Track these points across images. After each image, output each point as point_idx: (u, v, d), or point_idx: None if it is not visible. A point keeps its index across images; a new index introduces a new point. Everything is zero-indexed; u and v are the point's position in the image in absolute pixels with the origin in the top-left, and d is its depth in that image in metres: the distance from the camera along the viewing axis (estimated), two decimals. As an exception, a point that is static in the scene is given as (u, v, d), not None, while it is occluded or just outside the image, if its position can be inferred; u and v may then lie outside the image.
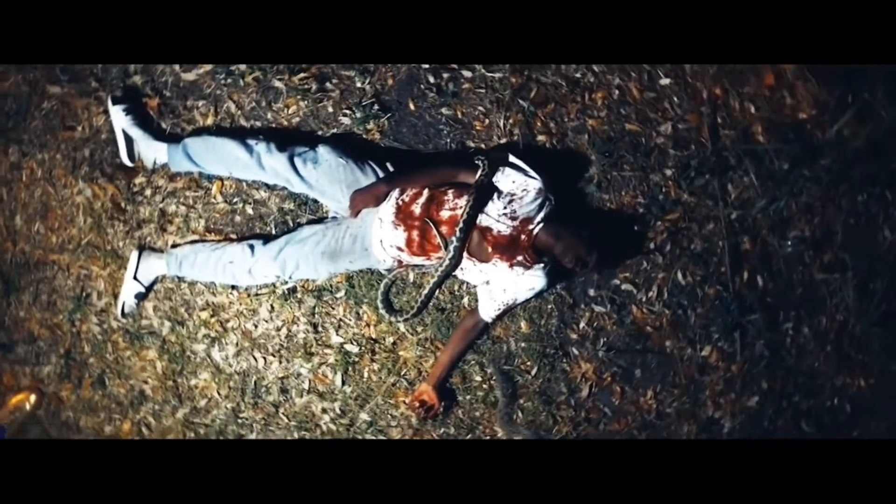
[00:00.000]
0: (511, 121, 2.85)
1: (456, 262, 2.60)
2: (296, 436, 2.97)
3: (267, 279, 2.82)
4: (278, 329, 2.94)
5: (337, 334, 2.93)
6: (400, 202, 2.64)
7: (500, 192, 2.56)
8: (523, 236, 2.56)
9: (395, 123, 2.89)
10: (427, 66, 2.86)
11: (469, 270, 2.67)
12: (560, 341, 2.91)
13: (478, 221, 2.55)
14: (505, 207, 2.54)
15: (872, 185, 2.92)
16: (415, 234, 2.61)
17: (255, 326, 2.94)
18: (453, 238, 2.54)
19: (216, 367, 2.98)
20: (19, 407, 3.04)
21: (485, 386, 2.92)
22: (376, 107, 2.87)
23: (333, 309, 2.93)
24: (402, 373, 2.93)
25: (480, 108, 2.86)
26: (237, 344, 2.95)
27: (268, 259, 2.76)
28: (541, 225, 2.56)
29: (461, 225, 2.52)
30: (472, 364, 2.92)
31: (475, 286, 2.78)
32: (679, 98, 2.86)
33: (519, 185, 2.55)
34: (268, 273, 2.79)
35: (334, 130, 2.89)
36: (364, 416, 2.95)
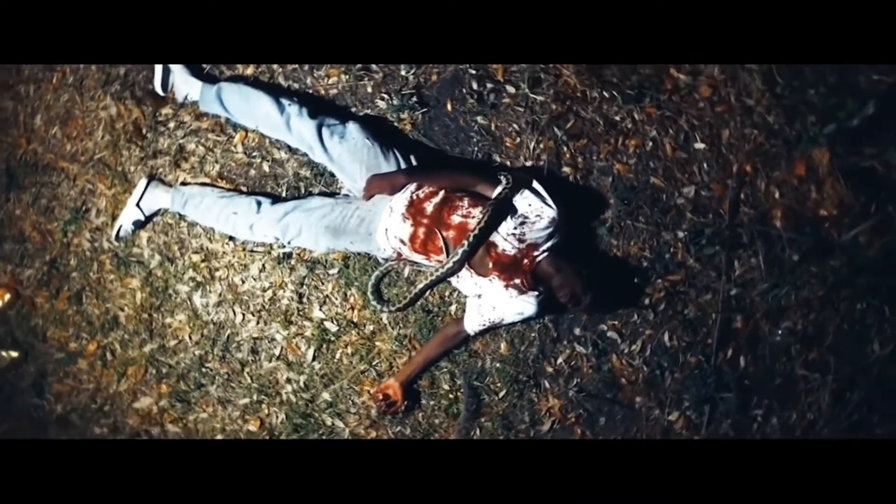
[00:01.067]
0: (542, 146, 2.85)
1: (455, 270, 2.60)
2: (254, 398, 2.96)
3: (266, 239, 2.82)
4: (264, 290, 2.93)
5: (320, 309, 2.92)
6: (414, 196, 2.63)
7: (514, 212, 2.55)
8: (526, 260, 2.56)
9: (428, 119, 2.89)
10: (473, 71, 2.86)
11: (465, 280, 2.66)
12: (535, 371, 2.90)
13: None
14: (515, 228, 2.54)
15: (873, 297, 2.93)
16: (421, 231, 2.61)
17: (243, 282, 2.93)
18: (459, 248, 2.53)
19: (194, 312, 2.96)
20: None
21: (451, 396, 2.92)
22: (414, 99, 2.88)
23: (323, 284, 2.92)
24: (374, 363, 2.92)
25: (515, 125, 2.87)
26: (220, 294, 2.94)
27: (272, 219, 2.75)
28: (545, 254, 2.56)
29: (472, 238, 2.51)
30: (443, 371, 2.91)
31: (466, 296, 2.77)
32: (709, 165, 2.87)
33: (534, 210, 2.54)
34: (268, 233, 2.78)
35: (368, 111, 2.90)
36: (326, 395, 2.94)
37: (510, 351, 2.90)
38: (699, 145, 2.87)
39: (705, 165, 2.87)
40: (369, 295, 2.86)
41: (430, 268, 2.71)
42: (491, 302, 2.66)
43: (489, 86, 2.88)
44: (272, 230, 2.76)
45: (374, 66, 2.89)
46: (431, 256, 2.65)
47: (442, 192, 2.62)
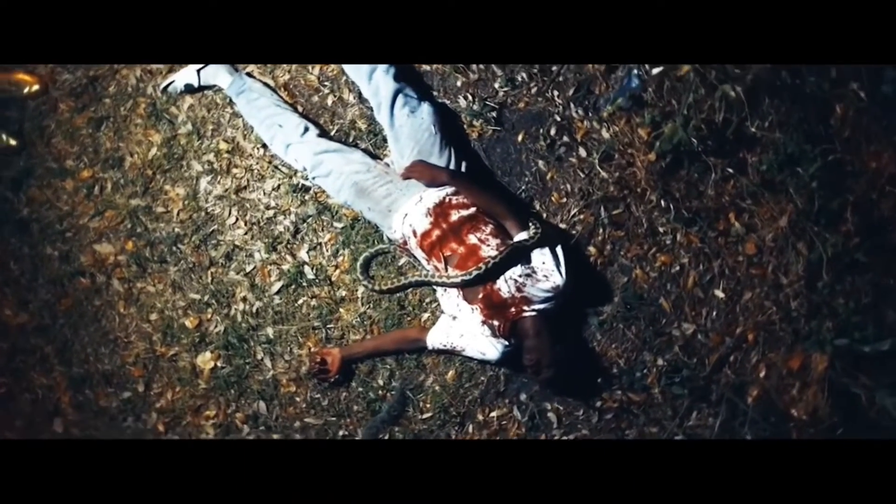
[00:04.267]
0: (582, 217, 2.85)
1: (451, 286, 2.59)
2: (205, 298, 2.92)
3: (295, 164, 2.80)
4: (268, 208, 2.90)
5: (307, 252, 2.89)
6: (447, 199, 2.62)
7: (526, 261, 2.54)
8: (514, 309, 2.54)
9: (496, 138, 2.89)
10: (559, 118, 2.86)
11: (450, 297, 2.64)
12: (466, 411, 2.87)
13: None
14: (519, 276, 2.52)
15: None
16: (436, 232, 2.59)
17: (251, 190, 2.91)
18: (475, 270, 2.50)
19: (194, 192, 2.93)
20: (19, 84, 2.97)
21: (381, 392, 2.88)
22: (494, 113, 2.87)
23: (322, 231, 2.89)
24: (329, 326, 2.89)
25: (569, 186, 2.86)
26: (226, 190, 2.91)
27: (310, 149, 2.73)
28: (534, 313, 2.54)
29: (481, 269, 2.49)
30: (386, 367, 2.88)
31: (442, 312, 2.75)
32: (718, 315, 2.87)
33: (545, 270, 2.53)
34: (300, 159, 2.76)
35: (447, 102, 2.89)
36: (270, 331, 2.90)
37: (455, 381, 2.87)
38: (719, 293, 2.87)
39: (714, 314, 2.87)
40: (358, 264, 2.83)
41: (425, 269, 2.70)
42: (462, 329, 2.63)
43: (565, 139, 2.87)
44: (305, 159, 2.74)
45: (473, 67, 2.88)
46: (431, 260, 2.63)
47: (473, 209, 2.60)
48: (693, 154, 2.79)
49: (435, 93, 2.90)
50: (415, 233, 2.63)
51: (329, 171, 2.72)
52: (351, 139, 2.89)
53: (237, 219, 2.92)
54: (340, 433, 2.89)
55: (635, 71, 2.82)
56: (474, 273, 2.50)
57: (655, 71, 2.78)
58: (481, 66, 2.89)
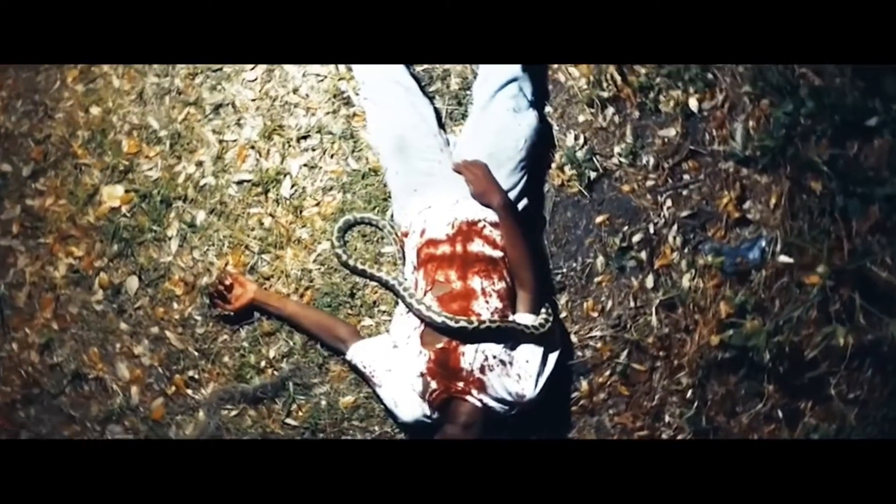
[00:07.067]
0: (599, 345, 2.34)
1: (416, 313, 2.15)
2: (160, 132, 2.40)
3: (356, 75, 2.38)
4: (295, 90, 2.43)
5: (299, 165, 2.39)
6: (480, 223, 2.20)
7: (511, 346, 2.12)
8: (461, 385, 2.10)
9: (574, 201, 2.41)
10: (652, 229, 2.37)
11: (406, 323, 2.19)
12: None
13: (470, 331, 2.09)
14: (493, 357, 2.09)
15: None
16: (445, 248, 2.17)
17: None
18: (449, 317, 2.08)
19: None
20: None
21: (263, 364, 2.33)
22: (593, 175, 2.38)
23: (330, 157, 2.40)
24: (264, 257, 2.36)
25: (609, 303, 2.36)
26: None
27: (385, 76, 2.31)
28: (478, 403, 2.10)
29: (469, 326, 2.07)
30: (289, 342, 2.35)
31: (387, 332, 2.27)
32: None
33: (522, 369, 2.10)
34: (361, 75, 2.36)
35: (555, 125, 2.43)
36: (200, 215, 2.37)
37: (346, 410, 2.32)
38: None
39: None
40: (341, 220, 2.35)
41: (404, 277, 2.25)
42: (394, 365, 2.16)
43: (642, 255, 2.37)
44: (366, 74, 2.33)
45: (608, 112, 2.39)
46: (419, 271, 2.20)
47: (500, 253, 2.17)
48: (756, 368, 2.30)
49: (548, 110, 2.42)
50: (423, 232, 2.21)
51: (386, 102, 2.29)
52: (432, 88, 2.42)
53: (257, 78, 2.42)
54: (190, 373, 2.35)
55: (764, 241, 2.31)
56: (461, 324, 2.08)
57: (785, 259, 2.27)
58: (616, 115, 2.41)
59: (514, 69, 2.26)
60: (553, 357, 2.15)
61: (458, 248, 2.15)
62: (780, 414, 2.33)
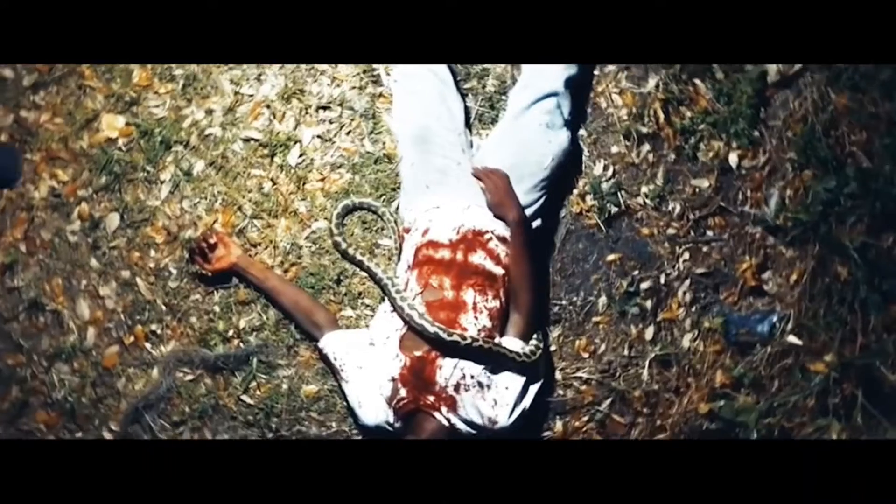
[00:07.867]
0: (584, 388, 2.21)
1: (403, 317, 2.00)
2: (175, 70, 2.26)
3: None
4: (321, 73, 2.30)
5: (311, 136, 2.26)
6: (488, 235, 2.06)
7: (494, 370, 1.97)
8: (432, 398, 1.96)
9: (589, 234, 2.27)
10: (663, 280, 2.24)
11: (389, 323, 2.05)
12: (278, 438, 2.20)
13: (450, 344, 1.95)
14: (471, 377, 1.95)
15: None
16: (444, 254, 2.03)
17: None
18: (440, 328, 1.94)
19: None
20: None
21: (231, 334, 2.20)
22: (614, 210, 2.25)
23: (346, 133, 2.27)
24: (255, 222, 2.23)
25: (603, 346, 2.23)
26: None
27: (423, 73, 2.18)
28: (445, 421, 1.97)
29: (461, 341, 1.94)
30: (262, 316, 2.21)
31: (366, 327, 2.15)
32: None
33: (500, 395, 1.97)
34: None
35: (586, 150, 2.29)
36: (199, 165, 2.24)
37: (307, 399, 2.19)
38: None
39: None
40: (342, 203, 2.21)
41: (396, 275, 2.12)
42: (367, 362, 2.02)
43: (647, 304, 2.24)
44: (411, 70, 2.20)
45: (644, 148, 2.26)
46: (412, 271, 2.06)
47: (502, 271, 2.04)
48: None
49: (583, 132, 2.28)
50: (426, 232, 2.07)
51: (417, 89, 2.16)
52: (467, 85, 2.28)
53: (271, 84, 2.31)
54: (153, 326, 2.21)
55: (776, 316, 2.19)
56: (454, 338, 1.94)
57: (793, 340, 2.16)
58: (651, 153, 2.28)
59: (556, 83, 2.12)
60: (534, 389, 2.02)
61: (459, 255, 2.02)
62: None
